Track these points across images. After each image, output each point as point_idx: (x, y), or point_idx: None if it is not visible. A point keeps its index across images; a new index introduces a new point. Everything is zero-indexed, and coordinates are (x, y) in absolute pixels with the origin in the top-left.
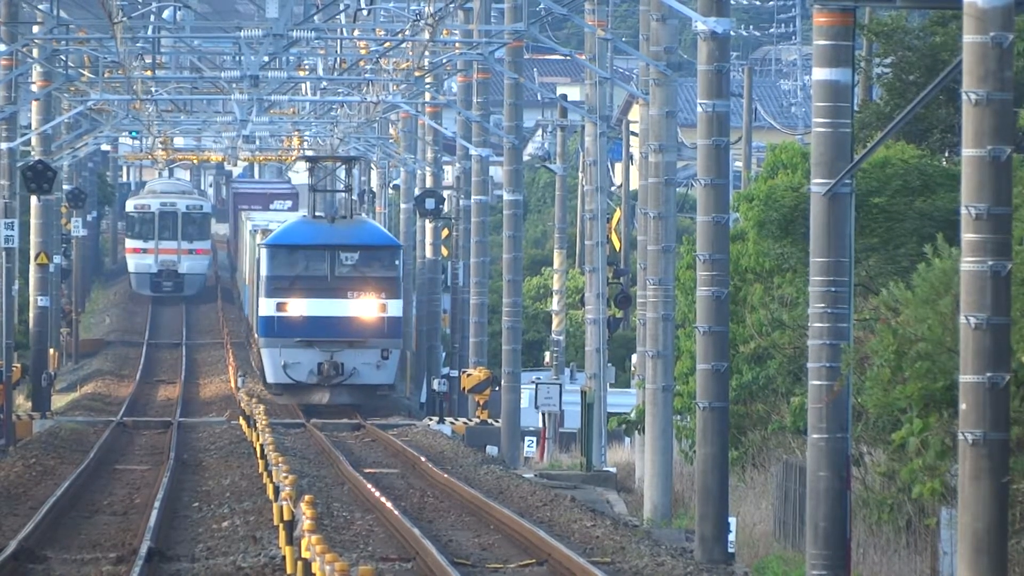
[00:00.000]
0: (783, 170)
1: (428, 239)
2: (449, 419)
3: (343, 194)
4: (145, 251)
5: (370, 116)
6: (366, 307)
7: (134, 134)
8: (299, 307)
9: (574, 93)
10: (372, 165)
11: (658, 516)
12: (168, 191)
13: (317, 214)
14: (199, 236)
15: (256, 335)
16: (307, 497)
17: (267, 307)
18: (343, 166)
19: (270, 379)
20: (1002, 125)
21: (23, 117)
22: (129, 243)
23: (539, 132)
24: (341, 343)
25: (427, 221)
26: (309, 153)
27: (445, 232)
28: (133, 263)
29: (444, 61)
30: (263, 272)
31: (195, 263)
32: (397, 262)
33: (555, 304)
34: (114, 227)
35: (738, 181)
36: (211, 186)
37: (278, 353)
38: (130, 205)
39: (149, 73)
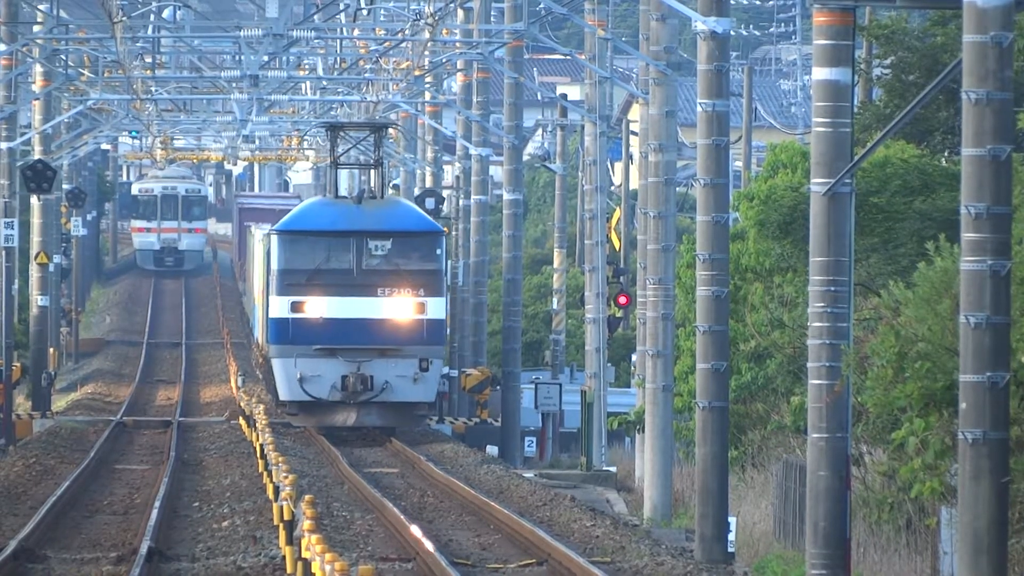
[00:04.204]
0: (783, 170)
1: None
2: (449, 419)
3: (370, 170)
4: (149, 230)
5: (370, 116)
6: (401, 307)
7: (134, 134)
8: (319, 307)
9: (574, 93)
10: None
11: (658, 516)
12: (169, 176)
13: (340, 194)
14: (198, 217)
15: (266, 342)
16: (307, 497)
17: (280, 307)
18: (371, 135)
19: (283, 395)
20: (1002, 125)
21: (23, 117)
22: (134, 223)
23: (539, 132)
24: (370, 351)
25: None
26: (310, 151)
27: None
28: (138, 241)
29: (444, 61)
30: (274, 265)
31: (194, 240)
32: (439, 252)
33: (555, 303)
34: (114, 227)
35: (738, 181)
36: (211, 186)
37: (293, 364)
38: (135, 189)
39: (149, 73)
